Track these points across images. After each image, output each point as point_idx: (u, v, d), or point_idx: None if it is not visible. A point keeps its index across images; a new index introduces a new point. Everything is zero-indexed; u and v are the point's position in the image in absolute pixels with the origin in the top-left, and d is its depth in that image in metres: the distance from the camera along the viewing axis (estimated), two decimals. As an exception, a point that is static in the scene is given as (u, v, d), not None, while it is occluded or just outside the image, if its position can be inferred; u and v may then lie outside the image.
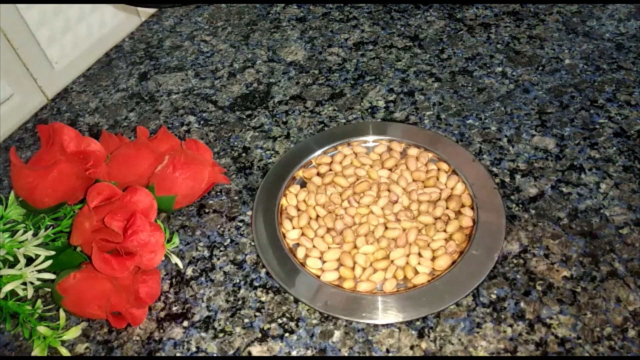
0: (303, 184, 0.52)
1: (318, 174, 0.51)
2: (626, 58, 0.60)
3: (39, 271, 0.42)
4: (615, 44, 0.61)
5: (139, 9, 0.72)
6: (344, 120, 0.57)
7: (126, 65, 0.67)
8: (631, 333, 0.39)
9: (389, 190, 0.49)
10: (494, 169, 0.51)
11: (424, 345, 0.40)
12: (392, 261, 0.45)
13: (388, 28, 0.67)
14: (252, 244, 0.48)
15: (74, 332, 0.42)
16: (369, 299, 0.43)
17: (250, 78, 0.63)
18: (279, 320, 0.43)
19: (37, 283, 0.42)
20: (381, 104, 0.58)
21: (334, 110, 0.58)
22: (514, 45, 0.63)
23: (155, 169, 0.47)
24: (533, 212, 0.47)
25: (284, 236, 0.47)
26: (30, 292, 0.41)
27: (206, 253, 0.48)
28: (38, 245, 0.43)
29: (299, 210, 0.49)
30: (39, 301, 0.43)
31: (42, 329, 0.41)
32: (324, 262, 0.45)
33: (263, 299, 0.44)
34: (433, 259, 0.45)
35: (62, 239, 0.45)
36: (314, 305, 0.43)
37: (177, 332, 0.43)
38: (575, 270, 0.43)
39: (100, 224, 0.41)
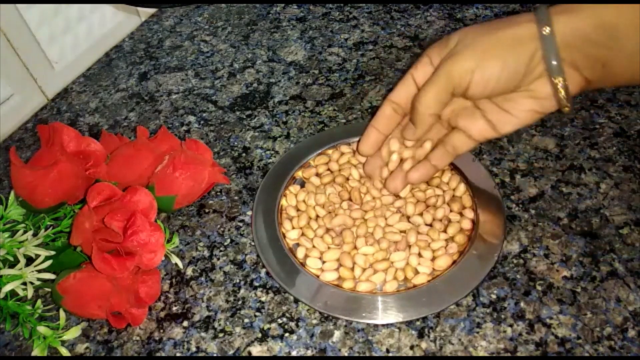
0: (303, 184, 0.52)
1: (317, 174, 0.51)
2: (626, 58, 0.60)
3: (39, 271, 0.42)
4: (615, 44, 0.61)
5: (139, 9, 0.72)
6: (344, 120, 0.57)
7: (126, 65, 0.67)
8: (631, 333, 0.40)
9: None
10: (494, 169, 0.51)
11: (424, 345, 0.41)
12: (392, 262, 0.45)
13: (388, 28, 0.67)
14: (252, 244, 0.48)
15: (74, 332, 0.42)
16: (369, 299, 0.43)
17: (250, 78, 0.63)
18: (279, 320, 0.43)
19: (37, 283, 0.42)
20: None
21: (334, 110, 0.58)
22: (514, 45, 0.63)
23: (155, 169, 0.47)
24: (533, 212, 0.47)
25: (284, 236, 0.47)
26: (30, 292, 0.41)
27: (206, 253, 0.48)
28: (38, 245, 0.43)
29: (298, 210, 0.49)
30: (39, 301, 0.43)
31: (42, 329, 0.41)
32: (323, 262, 0.45)
33: (263, 299, 0.44)
34: (433, 259, 0.45)
35: (62, 239, 0.45)
36: (314, 305, 0.43)
37: (177, 332, 0.43)
38: (575, 270, 0.43)
39: (100, 224, 0.41)
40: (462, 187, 0.49)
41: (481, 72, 0.38)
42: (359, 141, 0.47)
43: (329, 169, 0.52)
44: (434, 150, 0.45)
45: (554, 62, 0.36)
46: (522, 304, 0.42)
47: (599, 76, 0.37)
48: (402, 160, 0.46)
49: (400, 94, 0.43)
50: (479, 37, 0.38)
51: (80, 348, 0.43)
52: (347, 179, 0.50)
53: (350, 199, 0.49)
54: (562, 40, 0.36)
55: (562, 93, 0.37)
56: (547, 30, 0.36)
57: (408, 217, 0.47)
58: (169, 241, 0.45)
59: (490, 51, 0.38)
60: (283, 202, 0.50)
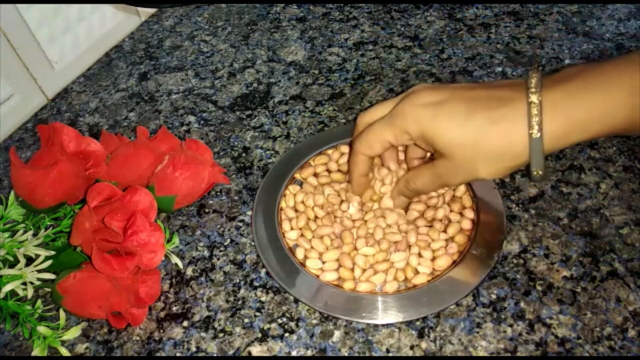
0: (302, 185, 0.51)
1: (316, 175, 0.51)
2: (626, 58, 0.60)
3: (39, 271, 0.42)
4: (615, 44, 0.61)
5: (139, 9, 0.72)
6: (344, 120, 0.57)
7: (126, 65, 0.67)
8: (631, 333, 0.40)
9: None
10: (494, 169, 0.51)
11: (424, 345, 0.40)
12: (392, 263, 0.45)
13: (388, 28, 0.67)
14: (252, 244, 0.48)
15: (74, 332, 0.42)
16: (369, 298, 0.43)
17: (250, 78, 0.63)
18: (279, 320, 0.43)
19: (37, 283, 0.42)
20: (381, 104, 0.58)
21: (334, 110, 0.58)
22: (514, 45, 0.63)
23: (155, 169, 0.47)
24: (533, 212, 0.47)
25: (284, 236, 0.47)
26: (30, 292, 0.41)
27: (206, 253, 0.48)
28: (38, 245, 0.43)
29: (297, 211, 0.49)
30: (39, 301, 0.43)
31: (42, 329, 0.41)
32: (323, 262, 0.45)
33: (263, 299, 0.44)
34: (433, 259, 0.45)
35: (62, 239, 0.45)
36: (314, 305, 0.43)
37: (177, 332, 0.43)
38: (575, 270, 0.43)
39: (100, 224, 0.41)
40: (462, 187, 0.49)
41: (482, 177, 0.39)
42: (349, 182, 0.48)
43: (327, 169, 0.52)
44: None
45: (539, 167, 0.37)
46: (522, 304, 0.42)
47: None
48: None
49: (375, 151, 0.43)
50: (470, 147, 0.37)
51: (80, 348, 0.43)
52: (346, 179, 0.50)
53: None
54: (554, 148, 0.36)
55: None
56: (539, 172, 0.37)
57: (408, 218, 0.47)
58: (169, 241, 0.45)
59: (487, 170, 0.38)
60: (282, 202, 0.50)
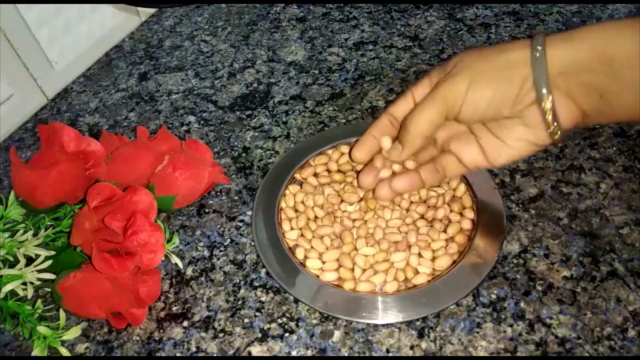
0: (302, 185, 0.51)
1: (316, 175, 0.51)
2: (626, 58, 0.60)
3: (39, 271, 0.42)
4: (615, 44, 0.61)
5: (139, 9, 0.72)
6: (344, 120, 0.57)
7: (126, 65, 0.67)
8: (631, 333, 0.40)
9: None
10: (494, 169, 0.51)
11: (424, 345, 0.41)
12: (392, 263, 0.45)
13: (388, 28, 0.67)
14: (252, 244, 0.48)
15: (74, 332, 0.42)
16: (369, 299, 0.43)
17: (250, 78, 0.63)
18: (279, 320, 0.43)
19: (37, 283, 0.42)
20: (381, 104, 0.58)
21: (334, 110, 0.58)
22: (514, 45, 0.63)
23: (155, 169, 0.47)
24: (533, 212, 0.47)
25: (284, 236, 0.47)
26: (30, 292, 0.41)
27: (206, 253, 0.48)
28: (38, 245, 0.43)
29: (297, 211, 0.49)
30: (39, 301, 0.43)
31: (42, 329, 0.41)
32: (323, 262, 0.45)
33: (263, 299, 0.44)
34: (433, 259, 0.45)
35: (62, 239, 0.45)
36: (314, 305, 0.43)
37: (177, 332, 0.43)
38: (575, 270, 0.43)
39: (100, 224, 0.41)
40: (462, 187, 0.49)
41: (473, 95, 0.38)
42: (351, 148, 0.45)
43: (327, 169, 0.52)
44: (425, 164, 0.44)
45: (543, 89, 0.36)
46: (522, 304, 0.42)
47: (596, 108, 0.36)
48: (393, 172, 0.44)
49: (399, 108, 0.43)
50: (476, 61, 0.38)
51: (80, 348, 0.43)
52: (346, 179, 0.50)
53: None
54: (556, 66, 0.35)
55: (550, 117, 0.36)
56: (537, 53, 0.36)
57: (407, 219, 0.47)
58: (169, 241, 0.45)
59: (484, 74, 0.38)
60: (282, 202, 0.50)
